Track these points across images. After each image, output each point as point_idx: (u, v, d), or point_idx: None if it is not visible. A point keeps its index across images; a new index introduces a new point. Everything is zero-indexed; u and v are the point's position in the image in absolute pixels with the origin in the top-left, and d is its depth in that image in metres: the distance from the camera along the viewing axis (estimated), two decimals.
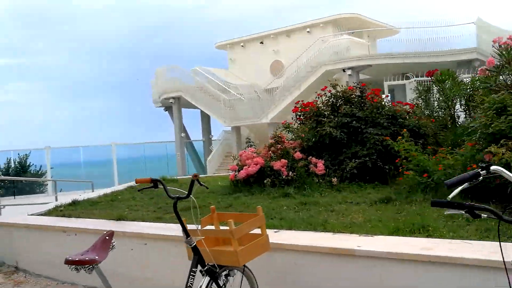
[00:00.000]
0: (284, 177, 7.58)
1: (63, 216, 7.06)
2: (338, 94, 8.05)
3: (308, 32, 25.39)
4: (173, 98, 26.31)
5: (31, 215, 7.31)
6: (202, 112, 28.64)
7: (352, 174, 7.37)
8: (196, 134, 30.12)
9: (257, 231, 3.59)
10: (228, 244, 3.53)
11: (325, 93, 8.42)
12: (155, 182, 3.42)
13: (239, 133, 25.06)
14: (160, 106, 29.22)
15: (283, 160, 7.76)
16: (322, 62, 22.03)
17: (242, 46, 27.81)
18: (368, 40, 25.25)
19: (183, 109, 27.51)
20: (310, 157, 7.86)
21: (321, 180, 7.46)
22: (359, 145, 7.61)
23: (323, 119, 7.77)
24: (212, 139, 29.23)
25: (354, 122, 7.58)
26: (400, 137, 7.52)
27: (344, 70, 21.76)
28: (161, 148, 27.56)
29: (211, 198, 7.69)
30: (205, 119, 29.15)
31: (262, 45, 27.11)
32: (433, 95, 9.43)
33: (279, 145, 8.13)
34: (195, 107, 28.35)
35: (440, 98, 9.23)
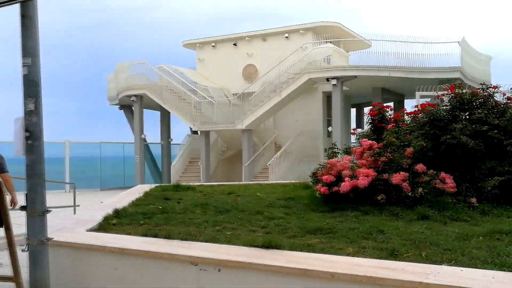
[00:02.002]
0: (409, 194, 6.14)
1: (126, 234, 5.14)
2: (469, 97, 6.75)
3: (286, 37, 24.19)
4: (136, 96, 23.94)
5: (89, 230, 5.29)
6: (162, 113, 26.45)
7: (493, 194, 6.08)
8: (151, 137, 27.80)
9: None
10: None
11: (448, 94, 7.10)
12: None
13: (208, 138, 23.19)
14: (116, 104, 26.59)
15: (403, 173, 6.34)
16: (306, 70, 20.87)
17: (213, 46, 26.02)
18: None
19: None
20: (431, 170, 6.49)
21: (454, 200, 6.11)
22: (494, 159, 6.34)
23: (457, 125, 6.39)
24: (172, 143, 27.04)
25: (496, 131, 6.30)
26: None
27: (328, 80, 20.76)
28: (118, 149, 24.98)
29: (310, 216, 6.08)
30: (165, 122, 26.92)
31: (235, 47, 25.51)
32: None
33: (390, 154, 6.68)
34: (154, 108, 26.09)
35: None
